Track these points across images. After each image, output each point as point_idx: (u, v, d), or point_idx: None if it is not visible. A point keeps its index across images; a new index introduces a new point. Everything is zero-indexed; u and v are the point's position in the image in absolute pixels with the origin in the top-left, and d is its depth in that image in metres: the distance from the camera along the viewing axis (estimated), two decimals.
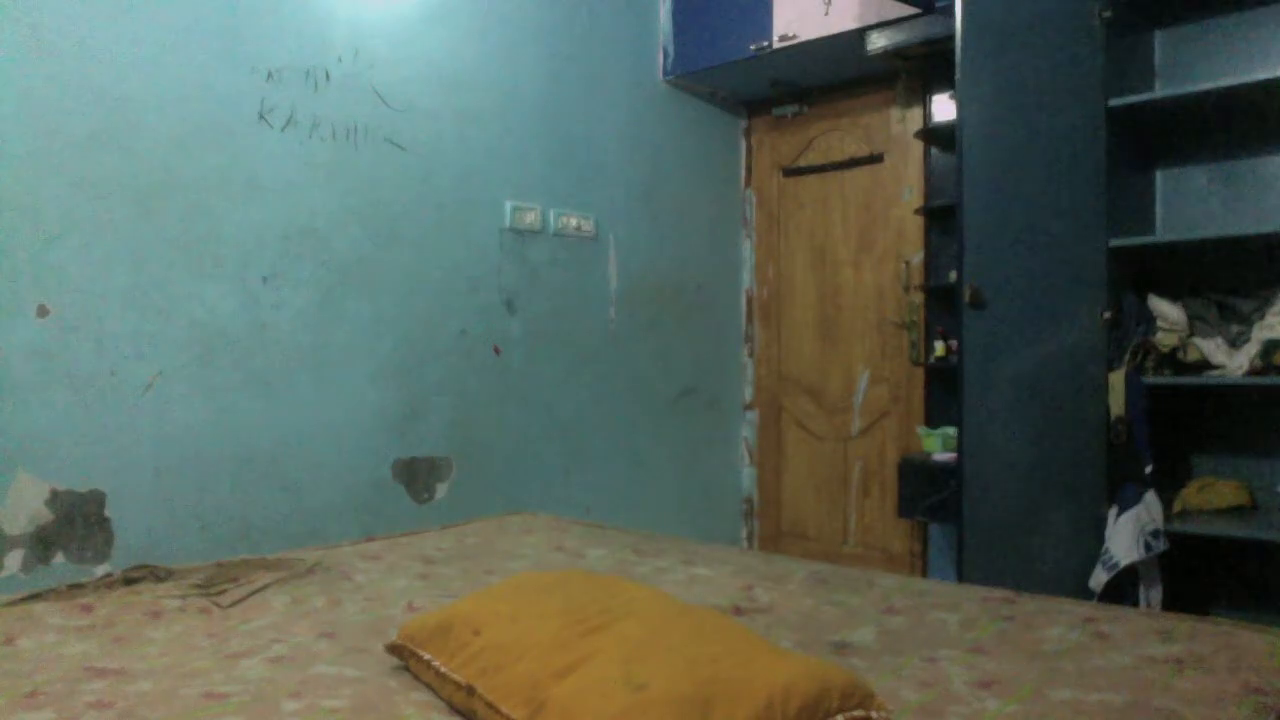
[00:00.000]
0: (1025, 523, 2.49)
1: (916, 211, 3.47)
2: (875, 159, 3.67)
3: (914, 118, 3.53)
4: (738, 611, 1.69)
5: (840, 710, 1.05)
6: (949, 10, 2.61)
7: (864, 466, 3.70)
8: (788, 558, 2.30)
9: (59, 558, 2.15)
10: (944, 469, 3.04)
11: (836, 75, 3.63)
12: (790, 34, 3.30)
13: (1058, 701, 1.22)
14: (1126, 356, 2.63)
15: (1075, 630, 1.54)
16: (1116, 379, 2.60)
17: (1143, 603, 2.55)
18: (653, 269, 3.63)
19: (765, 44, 3.36)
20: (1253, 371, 2.51)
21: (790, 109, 3.90)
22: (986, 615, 1.64)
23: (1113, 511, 2.53)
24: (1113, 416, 2.59)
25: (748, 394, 4.05)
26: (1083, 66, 2.60)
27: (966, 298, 2.39)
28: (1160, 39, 2.92)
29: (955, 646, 1.47)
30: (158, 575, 2.01)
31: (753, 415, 4.05)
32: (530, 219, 3.17)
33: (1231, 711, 1.16)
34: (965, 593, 1.83)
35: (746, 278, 4.06)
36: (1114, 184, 2.65)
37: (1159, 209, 2.93)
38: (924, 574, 3.42)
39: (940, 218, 3.41)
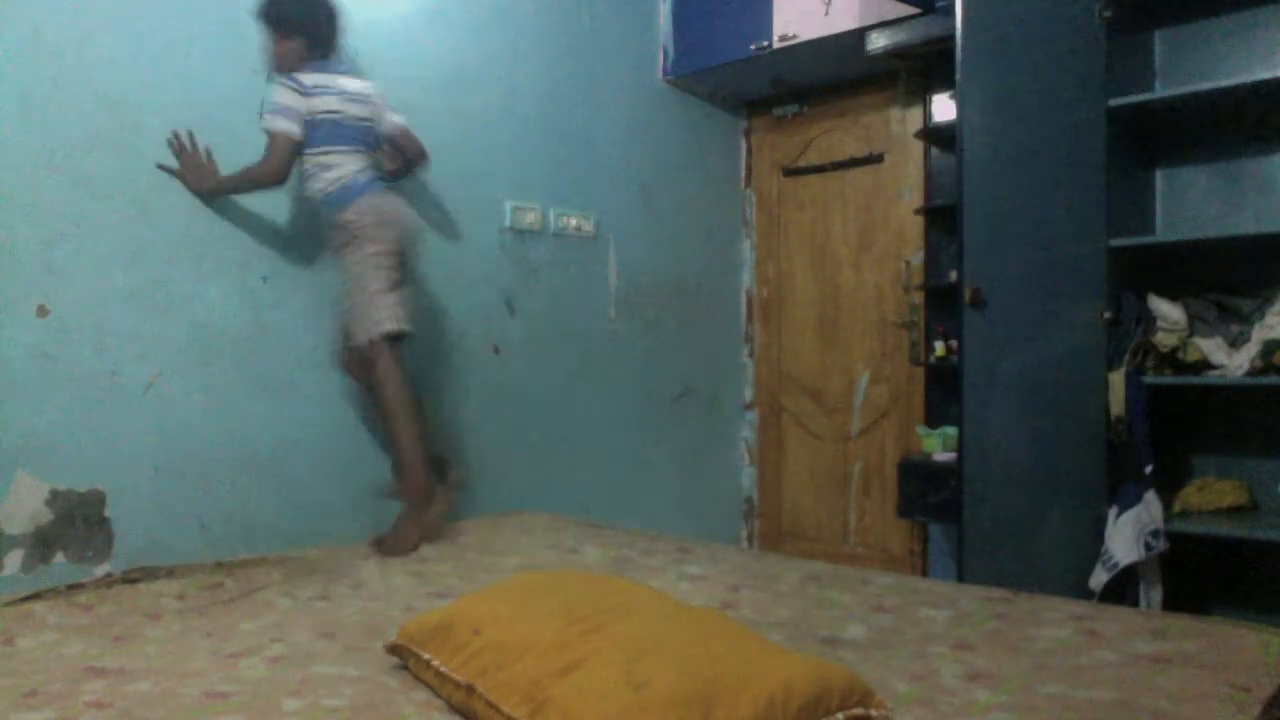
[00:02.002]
0: (1025, 523, 2.49)
1: (916, 211, 3.47)
2: (875, 159, 3.67)
3: (914, 118, 3.53)
4: (726, 606, 1.70)
5: (840, 709, 1.05)
6: (949, 10, 2.61)
7: (864, 466, 3.70)
8: (783, 556, 2.30)
9: (59, 558, 2.15)
10: (944, 469, 3.04)
11: (836, 75, 3.63)
12: (790, 34, 3.30)
13: (1045, 695, 1.23)
14: (1126, 356, 2.63)
15: (1066, 628, 1.54)
16: (1116, 379, 2.60)
17: (1143, 603, 2.55)
18: (653, 269, 3.63)
19: (765, 44, 3.36)
20: (1253, 371, 2.51)
21: (790, 109, 3.90)
22: (979, 613, 1.64)
23: (1113, 511, 2.53)
24: (1113, 416, 2.59)
25: (748, 394, 4.05)
26: (1083, 66, 2.59)
27: (966, 298, 2.39)
28: (1160, 39, 2.91)
29: (943, 643, 1.47)
30: (157, 575, 2.01)
31: (753, 415, 4.05)
32: (530, 219, 3.17)
33: (1215, 708, 1.17)
34: (962, 591, 1.83)
35: (746, 277, 4.06)
36: (1114, 184, 2.64)
37: (1159, 209, 2.93)
38: (924, 574, 3.42)
39: (940, 218, 3.40)
